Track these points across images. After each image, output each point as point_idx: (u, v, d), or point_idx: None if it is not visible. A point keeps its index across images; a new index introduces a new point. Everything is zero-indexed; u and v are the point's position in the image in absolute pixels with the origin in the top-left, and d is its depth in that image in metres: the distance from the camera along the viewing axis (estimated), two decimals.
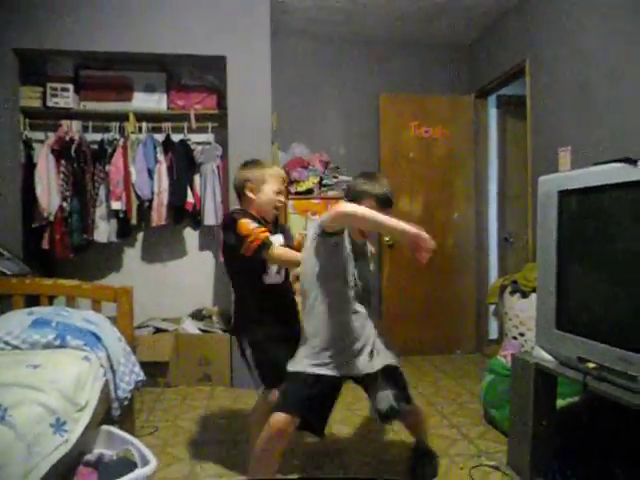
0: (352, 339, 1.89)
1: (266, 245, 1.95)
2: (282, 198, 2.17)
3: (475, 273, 4.34)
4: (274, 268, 2.09)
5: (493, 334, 4.36)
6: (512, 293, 3.20)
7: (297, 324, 2.08)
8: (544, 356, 2.08)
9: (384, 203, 1.83)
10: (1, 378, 1.55)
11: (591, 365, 1.79)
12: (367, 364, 1.91)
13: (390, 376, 1.95)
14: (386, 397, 1.91)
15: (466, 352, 4.25)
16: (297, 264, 2.00)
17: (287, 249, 2.07)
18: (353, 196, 1.87)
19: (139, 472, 1.67)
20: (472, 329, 4.32)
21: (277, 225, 2.26)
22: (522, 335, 3.07)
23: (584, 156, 2.85)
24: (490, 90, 4.20)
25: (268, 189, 2.11)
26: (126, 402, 2.18)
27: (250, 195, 2.10)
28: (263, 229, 1.99)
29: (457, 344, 4.28)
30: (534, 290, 2.86)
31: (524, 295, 3.08)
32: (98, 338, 2.07)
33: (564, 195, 1.96)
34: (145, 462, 1.74)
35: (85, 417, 1.72)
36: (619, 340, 1.71)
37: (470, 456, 2.38)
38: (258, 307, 2.09)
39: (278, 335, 2.05)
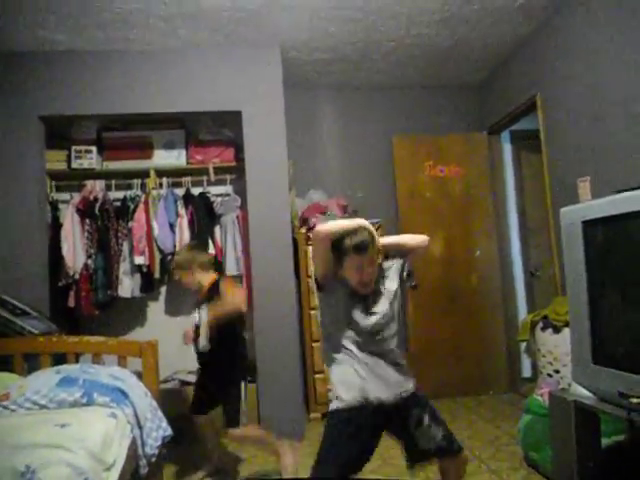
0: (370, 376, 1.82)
1: None
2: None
3: (503, 309, 4.24)
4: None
5: (526, 372, 4.21)
6: (543, 329, 3.11)
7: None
8: (583, 392, 1.99)
9: (358, 250, 1.79)
10: (29, 439, 1.53)
11: (634, 400, 1.71)
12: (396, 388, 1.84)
13: (432, 414, 1.86)
14: (431, 434, 1.83)
15: (500, 392, 4.10)
16: None
17: None
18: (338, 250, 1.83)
19: None
20: (504, 368, 4.19)
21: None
22: (557, 372, 2.96)
23: (604, 186, 2.81)
24: (503, 126, 4.23)
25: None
26: (154, 459, 2.13)
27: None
28: None
29: (490, 384, 4.14)
30: (566, 324, 2.78)
31: (556, 330, 2.99)
32: (125, 394, 2.05)
33: (588, 225, 1.92)
34: None
35: (113, 475, 1.68)
36: None
37: None
38: None
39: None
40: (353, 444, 1.75)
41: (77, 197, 3.66)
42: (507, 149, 4.42)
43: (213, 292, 2.62)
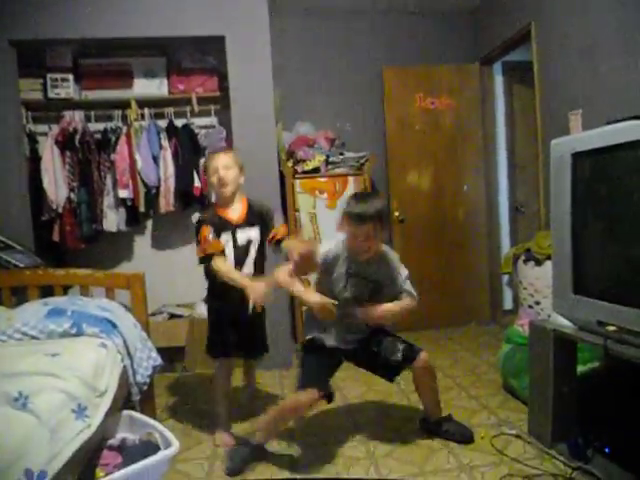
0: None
1: (207, 259, 2.26)
2: (220, 174, 2.28)
3: (487, 244, 4.30)
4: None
5: (508, 304, 4.34)
6: (526, 262, 3.17)
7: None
8: (562, 322, 2.06)
9: (354, 220, 2.02)
10: (21, 367, 1.55)
11: (611, 328, 1.77)
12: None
13: (386, 332, 2.30)
14: (393, 346, 2.21)
15: (481, 323, 4.23)
16: (234, 281, 2.21)
17: (228, 268, 2.26)
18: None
19: (162, 454, 1.69)
20: (486, 300, 4.30)
21: (252, 214, 2.39)
22: (538, 304, 3.05)
23: (596, 119, 2.77)
24: (495, 57, 4.12)
25: (210, 178, 2.33)
26: (145, 387, 2.19)
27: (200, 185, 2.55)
28: (215, 242, 2.26)
29: (472, 316, 4.26)
30: (548, 257, 2.83)
31: (538, 263, 3.04)
32: (114, 325, 2.07)
33: (578, 157, 1.91)
34: (167, 444, 1.76)
35: (106, 402, 1.72)
36: (639, 301, 1.68)
37: (491, 426, 2.38)
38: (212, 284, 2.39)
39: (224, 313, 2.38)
40: (322, 362, 2.19)
41: (56, 129, 3.53)
42: (499, 81, 4.32)
43: None
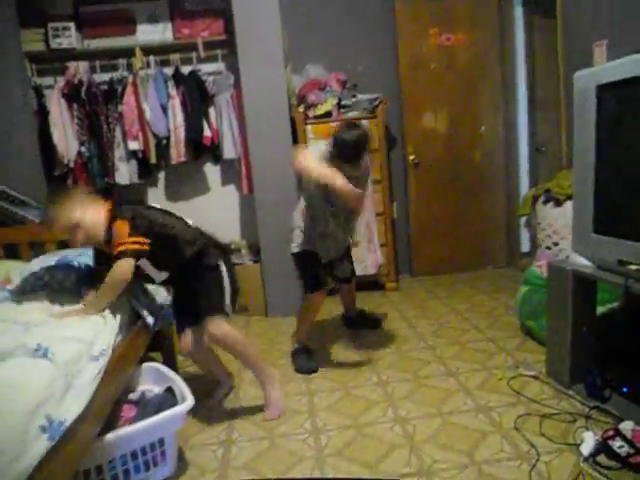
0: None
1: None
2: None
3: (505, 186, 4.19)
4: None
5: (525, 247, 4.27)
6: (545, 203, 3.08)
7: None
8: (582, 262, 2.01)
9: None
10: (35, 321, 1.59)
11: (633, 267, 1.72)
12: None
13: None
14: (346, 267, 2.75)
15: (498, 267, 4.20)
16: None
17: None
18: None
19: (173, 411, 1.71)
20: (504, 243, 4.24)
21: None
22: (556, 245, 2.98)
23: (622, 51, 2.61)
24: None
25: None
26: (161, 316, 2.20)
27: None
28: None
29: (489, 259, 4.22)
30: (569, 198, 2.75)
31: (558, 203, 2.95)
32: None
33: (603, 90, 1.80)
34: (185, 399, 1.78)
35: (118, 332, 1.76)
36: None
37: (508, 367, 2.39)
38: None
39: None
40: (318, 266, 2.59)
41: (61, 81, 3.46)
42: (519, 13, 4.07)
43: None
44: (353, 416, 2.11)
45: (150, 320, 2.09)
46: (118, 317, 1.83)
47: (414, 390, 2.28)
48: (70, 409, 1.25)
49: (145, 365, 2.10)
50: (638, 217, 1.77)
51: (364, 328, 3.08)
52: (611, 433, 1.67)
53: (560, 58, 3.30)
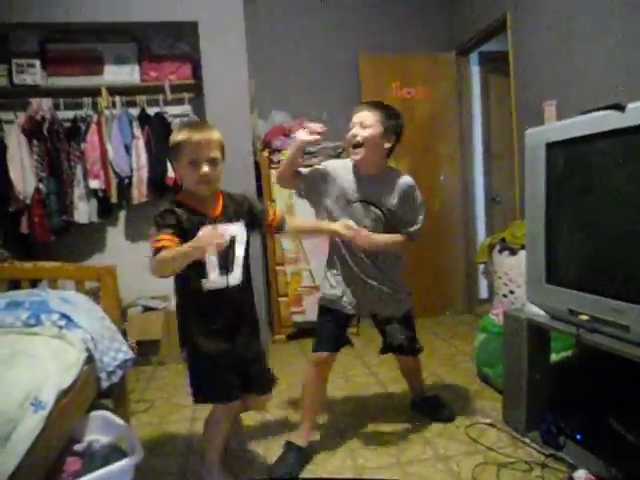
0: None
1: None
2: (204, 169, 1.68)
3: (463, 234, 4.33)
4: (216, 269, 1.72)
5: (484, 294, 4.38)
6: (501, 251, 3.19)
7: (251, 337, 1.86)
8: (536, 311, 2.07)
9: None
10: None
11: (583, 317, 1.79)
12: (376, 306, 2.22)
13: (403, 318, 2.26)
14: (397, 332, 2.23)
15: (457, 313, 4.26)
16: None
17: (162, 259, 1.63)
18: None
19: (120, 464, 1.61)
20: (462, 290, 4.33)
21: (230, 206, 1.81)
22: (512, 293, 3.07)
23: (570, 110, 2.79)
24: (471, 47, 4.11)
25: (182, 162, 1.71)
26: (114, 377, 2.11)
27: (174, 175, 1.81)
28: (167, 237, 1.68)
29: (448, 305, 4.30)
30: (522, 247, 2.85)
31: (512, 252, 3.06)
32: (71, 318, 2.01)
33: (552, 147, 1.91)
34: (134, 450, 1.69)
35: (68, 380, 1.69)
36: (610, 290, 1.69)
37: (466, 415, 2.40)
38: (197, 315, 1.76)
39: (216, 350, 1.75)
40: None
41: (22, 116, 3.41)
42: (475, 71, 4.32)
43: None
44: (311, 464, 2.06)
45: (105, 385, 2.05)
46: (69, 358, 1.76)
47: (372, 438, 2.24)
48: (5, 462, 1.17)
49: (93, 413, 1.99)
50: (587, 268, 1.85)
51: (430, 418, 2.39)
52: None
53: (513, 115, 3.49)
